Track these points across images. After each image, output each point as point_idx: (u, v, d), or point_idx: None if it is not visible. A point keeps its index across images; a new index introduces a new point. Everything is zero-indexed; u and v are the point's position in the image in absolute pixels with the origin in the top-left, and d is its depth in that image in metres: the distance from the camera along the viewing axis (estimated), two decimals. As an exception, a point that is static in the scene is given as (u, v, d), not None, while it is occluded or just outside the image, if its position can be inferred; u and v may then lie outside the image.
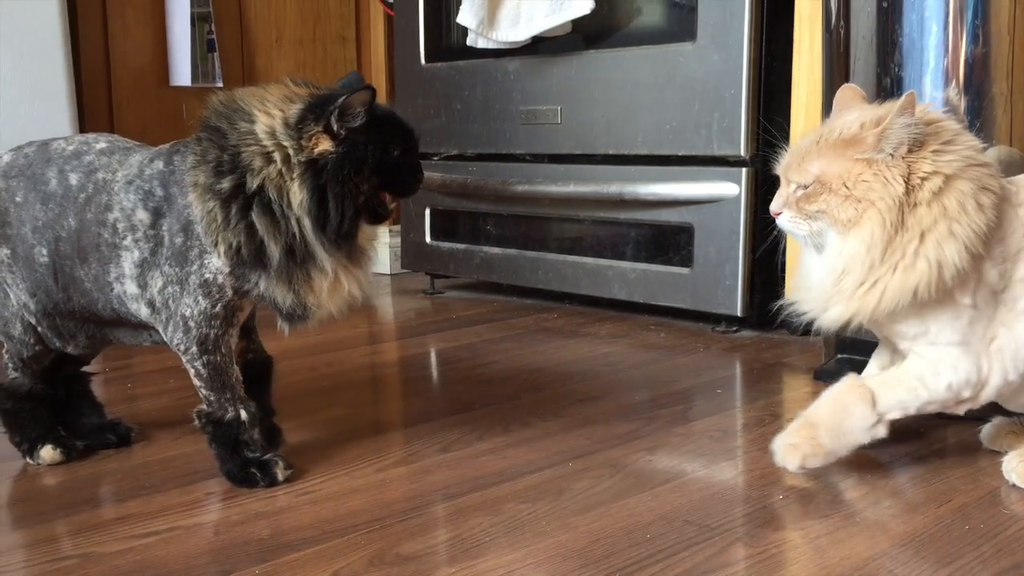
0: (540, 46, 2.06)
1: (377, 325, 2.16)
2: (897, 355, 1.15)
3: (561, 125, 2.07)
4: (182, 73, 2.44)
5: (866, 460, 1.16)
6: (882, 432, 1.08)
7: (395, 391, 1.61)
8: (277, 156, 1.02)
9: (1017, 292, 1.03)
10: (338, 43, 2.80)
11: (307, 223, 1.02)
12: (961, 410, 1.08)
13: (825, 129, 1.06)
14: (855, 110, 1.06)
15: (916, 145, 1.00)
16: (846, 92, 1.12)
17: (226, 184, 1.02)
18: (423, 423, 1.35)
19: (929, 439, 1.24)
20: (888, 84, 1.29)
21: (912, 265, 0.99)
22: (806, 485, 1.09)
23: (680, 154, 1.88)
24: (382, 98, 2.86)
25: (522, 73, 2.13)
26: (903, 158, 1.00)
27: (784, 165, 1.08)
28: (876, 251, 1.00)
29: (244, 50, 2.61)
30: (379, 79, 2.76)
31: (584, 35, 2.00)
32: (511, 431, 1.30)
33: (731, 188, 1.81)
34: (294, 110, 1.04)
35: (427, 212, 2.40)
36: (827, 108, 1.40)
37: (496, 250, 2.27)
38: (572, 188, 2.05)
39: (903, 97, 0.98)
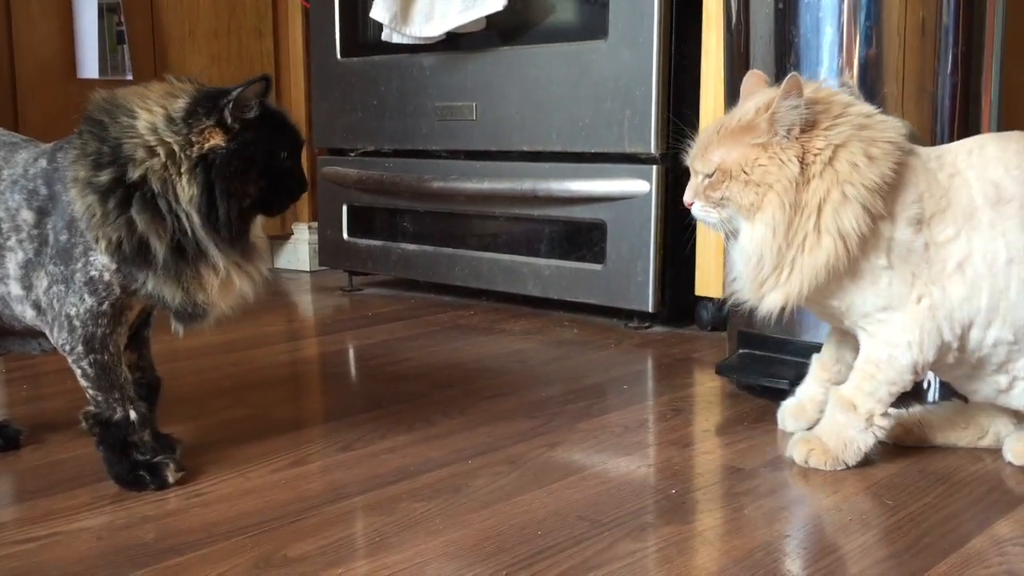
0: (455, 42, 2.05)
1: (294, 322, 2.13)
2: (844, 337, 1.19)
3: (476, 121, 2.07)
4: (90, 65, 2.37)
5: (758, 455, 1.18)
6: (882, 424, 1.11)
7: (304, 390, 1.59)
8: (161, 151, 1.00)
9: (945, 253, 1.06)
10: (254, 36, 2.75)
11: (196, 219, 1.00)
12: (920, 376, 1.10)
13: (726, 118, 1.08)
14: (755, 96, 1.08)
15: (809, 125, 1.02)
16: (751, 79, 1.15)
17: (104, 177, 0.99)
18: (329, 421, 1.34)
19: (824, 432, 1.26)
20: (785, 83, 1.31)
21: (817, 242, 1.03)
22: (698, 480, 1.11)
23: (593, 151, 1.89)
24: (300, 93, 2.80)
25: (438, 69, 2.12)
26: (796, 139, 1.02)
27: (691, 156, 1.11)
28: (780, 234, 1.03)
29: (156, 42, 2.54)
30: (296, 73, 2.72)
31: (499, 31, 2.00)
32: (415, 429, 1.29)
33: (642, 185, 1.83)
34: (179, 104, 1.02)
35: (344, 208, 2.38)
36: (731, 105, 1.42)
37: (413, 247, 2.25)
38: (487, 185, 2.05)
39: (786, 80, 1.01)
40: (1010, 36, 1.33)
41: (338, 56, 2.32)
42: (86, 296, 1.01)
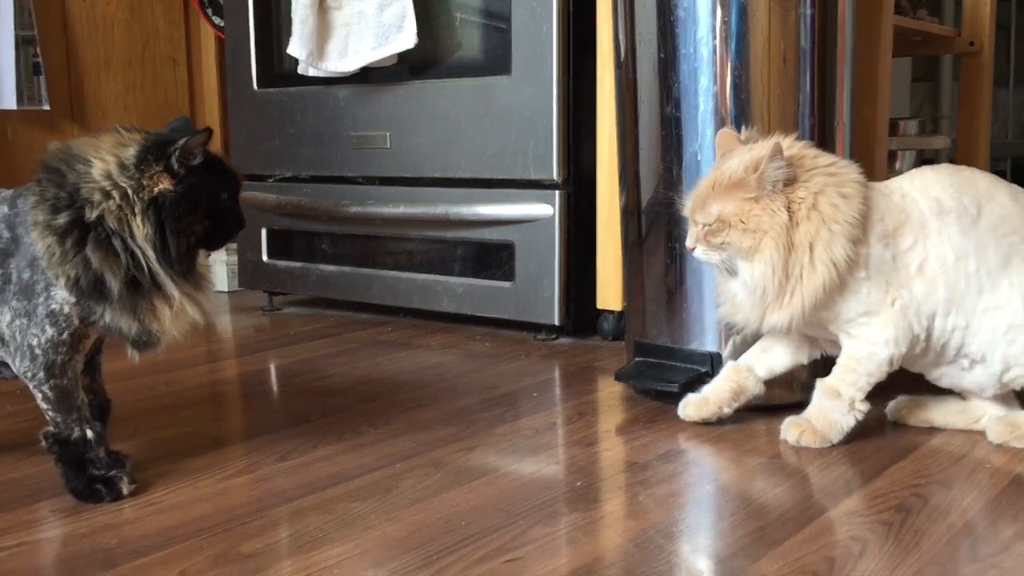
0: (369, 75, 2.18)
1: (216, 343, 2.22)
2: (768, 351, 1.42)
3: (390, 150, 2.20)
4: (7, 97, 2.42)
5: (652, 451, 1.35)
6: (861, 408, 1.33)
7: (235, 407, 1.70)
8: (115, 194, 1.11)
9: (907, 259, 1.28)
10: (168, 65, 2.83)
11: (152, 255, 1.11)
12: (896, 366, 1.32)
13: (716, 173, 1.29)
14: (736, 154, 1.29)
15: (790, 180, 1.24)
16: (724, 137, 1.35)
17: (62, 219, 1.10)
18: (263, 435, 1.45)
19: (716, 427, 1.44)
20: (669, 123, 1.49)
21: (813, 271, 1.24)
22: (600, 474, 1.27)
23: (500, 178, 2.05)
24: (215, 120, 2.88)
25: (352, 100, 2.25)
26: (782, 192, 1.24)
27: (690, 208, 1.31)
28: (779, 270, 1.24)
29: (71, 72, 2.61)
30: (211, 101, 2.80)
31: (410, 66, 2.14)
32: (344, 439, 1.42)
33: (546, 209, 1.99)
34: (129, 152, 1.13)
35: (263, 232, 2.48)
36: (623, 139, 1.59)
37: (332, 267, 2.37)
38: (402, 209, 2.19)
39: (771, 146, 1.23)
40: (858, 79, 1.54)
41: (255, 87, 2.42)
42: (47, 327, 1.12)
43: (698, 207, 1.30)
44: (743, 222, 1.25)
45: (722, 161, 1.31)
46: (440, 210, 2.13)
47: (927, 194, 1.31)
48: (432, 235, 2.18)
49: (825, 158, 1.29)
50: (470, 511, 1.13)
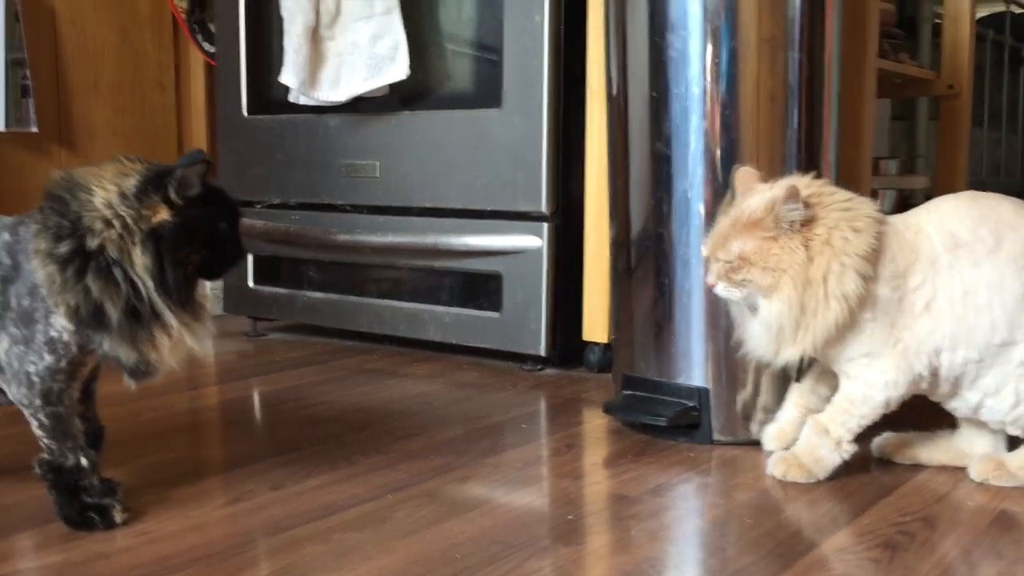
0: (360, 104, 2.20)
1: (199, 369, 2.21)
2: (823, 374, 1.44)
3: (380, 179, 2.22)
4: (-5, 118, 2.42)
5: (641, 484, 1.36)
6: (848, 450, 1.36)
7: (223, 434, 1.70)
8: (116, 223, 1.12)
9: (913, 299, 1.30)
10: (156, 89, 2.84)
11: (151, 284, 1.12)
12: (892, 408, 1.35)
13: (736, 212, 1.31)
14: (755, 192, 1.32)
15: (809, 219, 1.27)
16: (743, 174, 1.37)
17: (64, 248, 1.11)
18: (254, 464, 1.45)
19: (699, 461, 1.46)
20: (660, 160, 1.52)
21: (827, 306, 1.26)
22: (590, 507, 1.28)
23: (490, 209, 2.07)
24: (202, 145, 2.89)
25: (343, 129, 2.27)
26: (799, 232, 1.27)
27: (711, 246, 1.34)
28: (796, 307, 1.27)
29: (60, 95, 2.61)
30: (199, 126, 2.81)
31: (401, 96, 2.16)
32: (338, 468, 1.42)
33: (535, 241, 2.01)
34: (130, 183, 1.14)
35: (250, 258, 2.48)
36: (614, 172, 1.62)
37: (318, 294, 2.38)
38: (391, 238, 2.20)
39: (785, 190, 1.25)
40: (842, 120, 1.58)
41: (244, 113, 2.44)
42: (45, 355, 1.12)
43: (719, 245, 1.32)
44: (763, 260, 1.27)
45: (741, 200, 1.34)
46: (429, 240, 2.15)
47: (942, 228, 1.32)
48: (420, 264, 2.20)
49: (841, 195, 1.31)
50: (466, 543, 1.14)
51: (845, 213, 1.29)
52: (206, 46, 2.82)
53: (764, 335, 1.32)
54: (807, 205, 1.27)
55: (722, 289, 1.33)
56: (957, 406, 1.38)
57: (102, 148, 2.64)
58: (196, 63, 2.87)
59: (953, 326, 1.30)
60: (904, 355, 1.31)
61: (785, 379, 1.51)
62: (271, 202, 2.42)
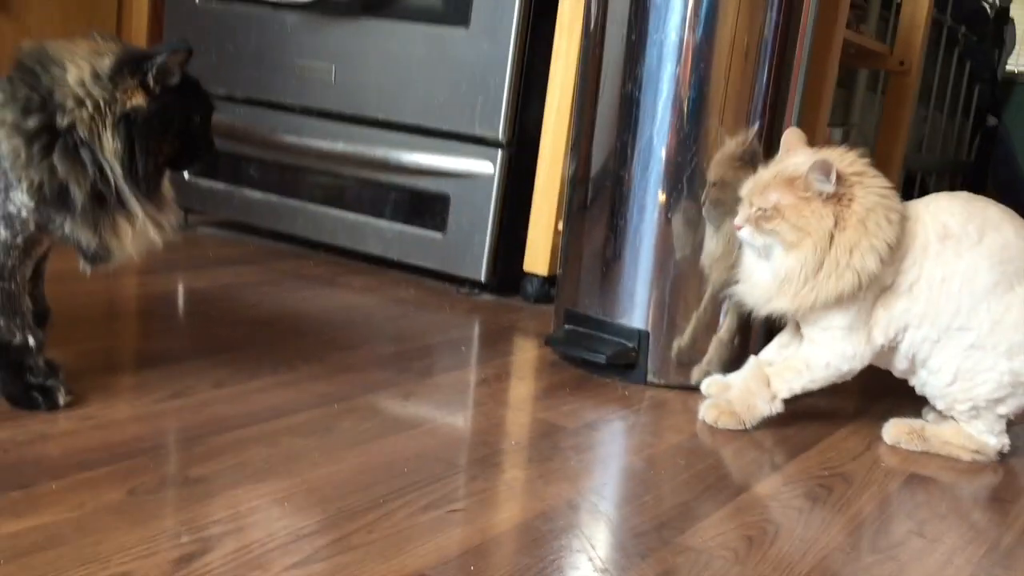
0: (320, 5, 2.14)
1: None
2: (796, 338, 1.47)
3: (334, 84, 2.18)
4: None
5: (579, 417, 1.41)
6: (779, 406, 1.41)
7: (159, 326, 1.68)
8: (88, 103, 1.08)
9: (900, 280, 1.37)
10: (102, -37, 2.69)
11: (119, 171, 1.09)
12: (848, 378, 1.42)
13: (781, 166, 1.36)
14: (800, 152, 1.37)
15: (840, 196, 1.32)
16: (792, 136, 1.42)
17: (32, 123, 1.07)
18: (195, 360, 1.44)
19: (633, 402, 1.51)
20: (630, 103, 1.53)
21: (842, 275, 1.32)
22: (532, 436, 1.32)
23: (445, 129, 2.06)
24: (142, 27, 2.76)
25: (300, 28, 2.21)
26: (833, 202, 1.31)
27: (749, 190, 1.38)
28: (809, 269, 1.33)
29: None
30: (140, 7, 2.69)
31: (365, 1, 2.11)
32: (279, 372, 1.43)
33: (487, 166, 2.02)
34: (105, 63, 1.10)
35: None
36: (581, 109, 1.63)
37: (257, 194, 2.34)
38: (340, 146, 2.17)
39: (815, 162, 1.30)
40: (806, 86, 1.62)
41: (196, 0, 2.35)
42: (1, 229, 1.09)
43: (757, 191, 1.36)
44: (794, 218, 1.32)
45: (787, 156, 1.39)
46: (379, 152, 2.12)
47: (937, 219, 1.38)
48: (367, 176, 2.17)
49: (881, 180, 1.37)
50: (412, 458, 1.17)
51: (883, 200, 1.34)
52: (158, -80, 2.68)
53: (767, 283, 1.38)
54: (847, 182, 1.32)
55: (747, 232, 1.37)
56: (914, 383, 1.46)
57: (39, 13, 2.51)
58: (143, -61, 2.73)
59: (926, 305, 1.37)
60: (875, 329, 1.38)
61: (731, 341, 1.57)
62: (216, 94, 2.35)
